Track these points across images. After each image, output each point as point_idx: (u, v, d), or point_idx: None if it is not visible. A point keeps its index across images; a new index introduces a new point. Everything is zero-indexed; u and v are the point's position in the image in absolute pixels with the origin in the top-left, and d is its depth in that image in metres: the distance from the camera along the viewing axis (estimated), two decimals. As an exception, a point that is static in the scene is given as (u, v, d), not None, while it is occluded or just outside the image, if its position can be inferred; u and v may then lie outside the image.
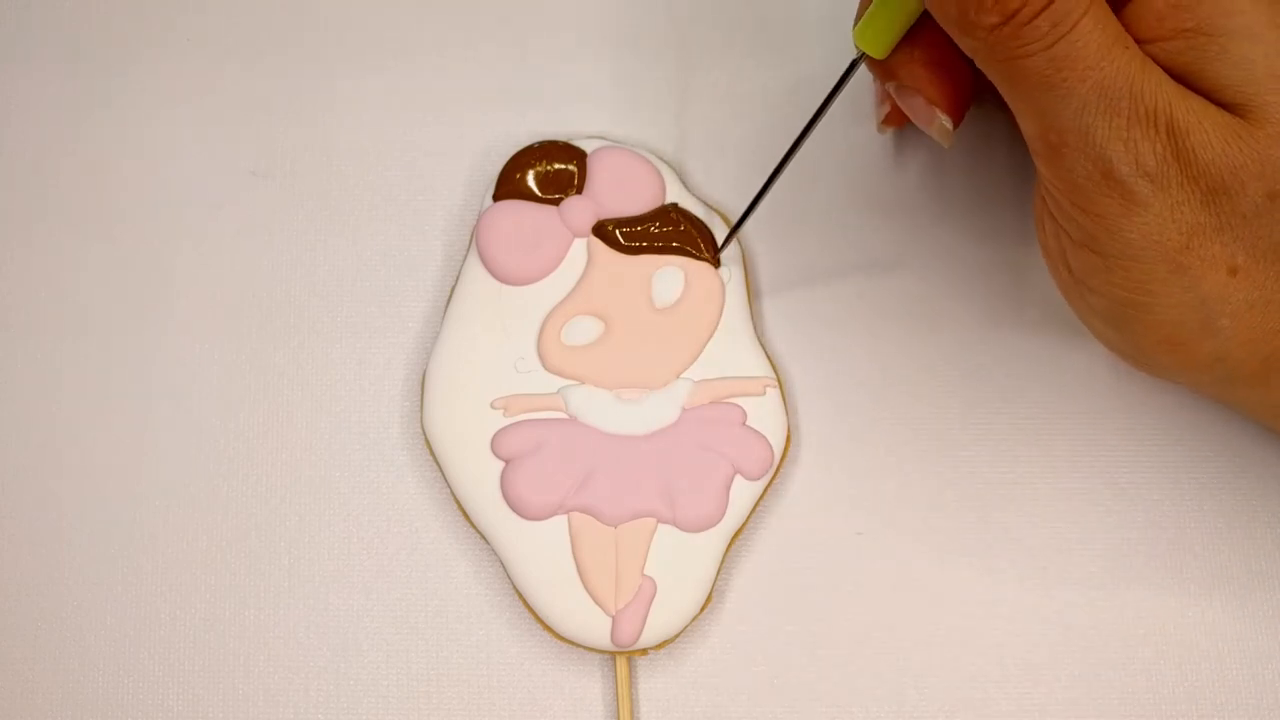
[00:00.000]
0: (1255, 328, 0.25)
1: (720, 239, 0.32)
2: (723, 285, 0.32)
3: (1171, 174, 0.23)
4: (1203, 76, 0.24)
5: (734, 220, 0.33)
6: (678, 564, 0.30)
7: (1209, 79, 0.24)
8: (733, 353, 0.31)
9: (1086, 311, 0.27)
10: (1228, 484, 0.32)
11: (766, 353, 0.32)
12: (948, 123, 0.28)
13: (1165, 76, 0.23)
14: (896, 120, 0.31)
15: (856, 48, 0.27)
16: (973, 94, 0.28)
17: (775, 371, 0.31)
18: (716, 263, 0.32)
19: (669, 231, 0.32)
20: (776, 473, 0.31)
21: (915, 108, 0.28)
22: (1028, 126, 0.25)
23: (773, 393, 0.31)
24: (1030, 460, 0.32)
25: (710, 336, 0.31)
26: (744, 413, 0.31)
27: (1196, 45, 0.24)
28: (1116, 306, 0.25)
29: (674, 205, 0.32)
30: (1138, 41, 0.24)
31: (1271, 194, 0.23)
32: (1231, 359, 0.25)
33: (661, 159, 0.33)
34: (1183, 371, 0.26)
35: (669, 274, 0.32)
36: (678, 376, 0.31)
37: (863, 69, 0.28)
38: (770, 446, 0.30)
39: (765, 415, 0.31)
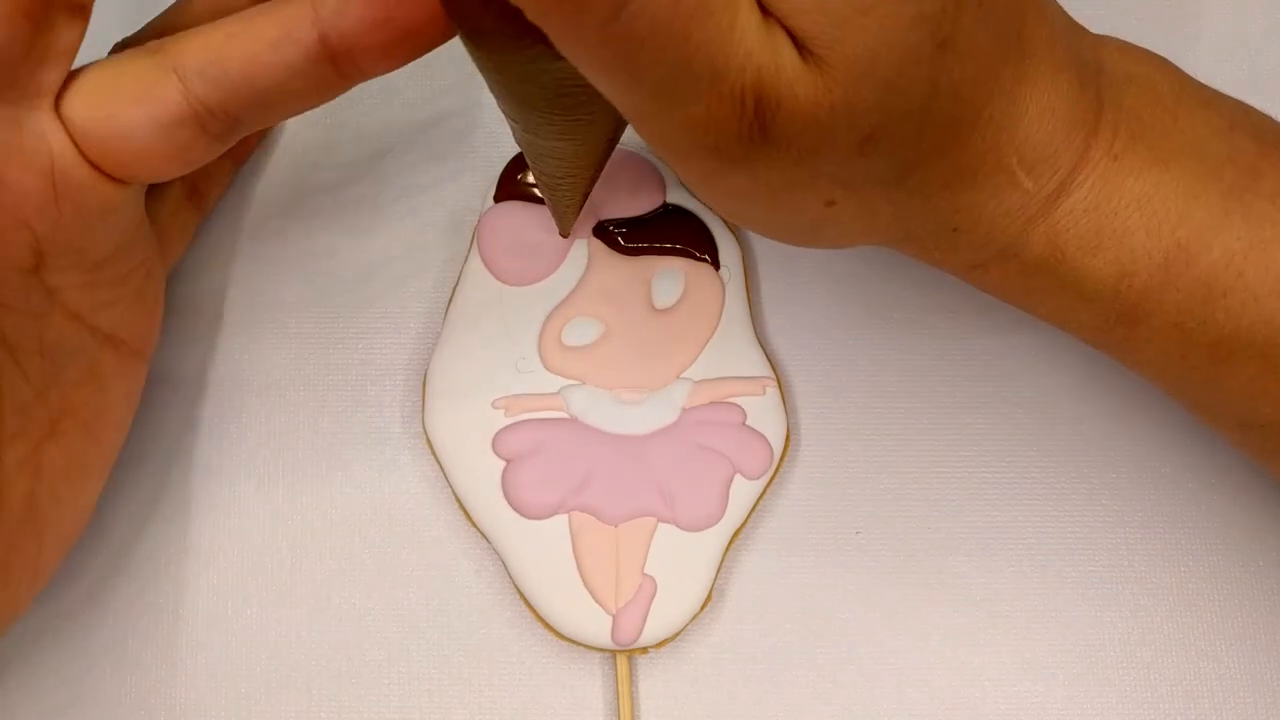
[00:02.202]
0: (864, 230, 0.24)
1: (721, 240, 0.32)
2: (723, 285, 0.32)
3: (758, 145, 0.21)
4: (773, 2, 0.20)
5: (735, 223, 0.33)
6: (678, 563, 0.30)
7: (781, 3, 0.20)
8: (733, 353, 0.31)
9: None
10: (1227, 483, 0.32)
11: (766, 353, 0.32)
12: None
13: (756, 38, 0.19)
14: None
15: None
16: None
17: (775, 371, 0.32)
18: (716, 264, 0.32)
19: (669, 232, 0.32)
20: (776, 472, 0.31)
21: None
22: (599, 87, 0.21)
23: (772, 393, 0.31)
24: (1030, 460, 0.32)
25: (710, 337, 0.31)
26: (744, 413, 0.31)
27: None
28: (731, 218, 0.25)
29: (674, 205, 0.32)
30: None
31: (863, 140, 0.21)
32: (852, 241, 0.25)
33: (662, 159, 0.33)
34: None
35: (669, 274, 0.32)
36: (678, 377, 0.31)
37: None
38: (770, 446, 0.31)
39: (765, 415, 0.31)
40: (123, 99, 0.24)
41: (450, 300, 0.32)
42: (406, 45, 0.24)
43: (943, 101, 0.21)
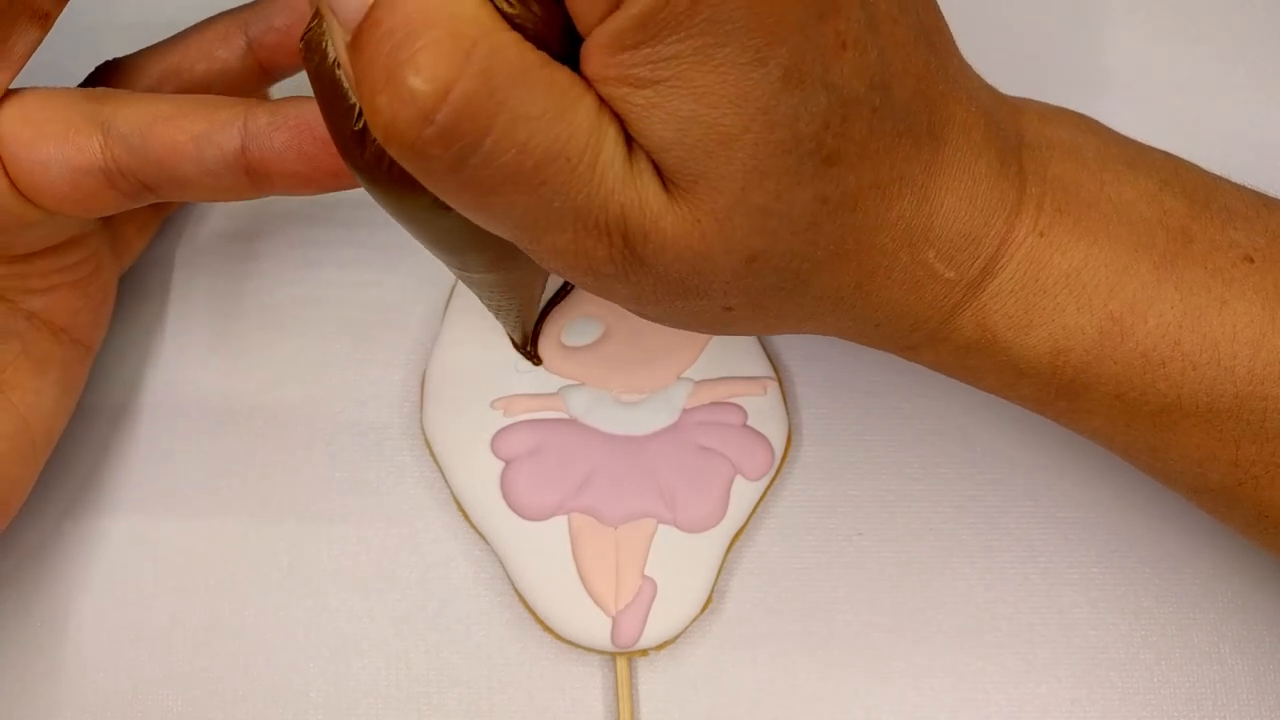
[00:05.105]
0: (775, 328, 0.24)
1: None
2: (724, 285, 0.32)
3: (634, 268, 0.21)
4: (640, 134, 0.19)
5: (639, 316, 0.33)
6: (678, 565, 0.30)
7: (646, 137, 0.19)
8: (733, 353, 0.31)
9: None
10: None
11: (767, 352, 0.32)
12: None
13: (618, 175, 0.19)
14: None
15: None
16: None
17: (776, 371, 0.31)
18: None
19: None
20: (777, 473, 0.31)
21: None
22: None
23: (774, 393, 0.31)
24: (1031, 461, 0.32)
25: (711, 336, 0.31)
26: (744, 413, 0.31)
27: (629, 95, 0.19)
28: (633, 313, 0.24)
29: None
30: (589, 80, 0.19)
31: (747, 260, 0.21)
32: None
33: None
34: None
35: (670, 274, 0.32)
36: (678, 377, 0.31)
37: None
38: (771, 447, 0.30)
39: (766, 415, 0.31)
40: (47, 131, 0.24)
41: (449, 300, 0.32)
42: (319, 181, 0.25)
43: (837, 213, 0.21)
